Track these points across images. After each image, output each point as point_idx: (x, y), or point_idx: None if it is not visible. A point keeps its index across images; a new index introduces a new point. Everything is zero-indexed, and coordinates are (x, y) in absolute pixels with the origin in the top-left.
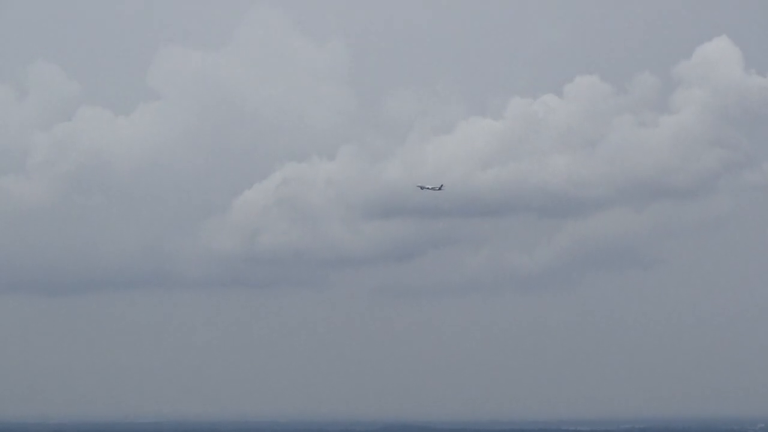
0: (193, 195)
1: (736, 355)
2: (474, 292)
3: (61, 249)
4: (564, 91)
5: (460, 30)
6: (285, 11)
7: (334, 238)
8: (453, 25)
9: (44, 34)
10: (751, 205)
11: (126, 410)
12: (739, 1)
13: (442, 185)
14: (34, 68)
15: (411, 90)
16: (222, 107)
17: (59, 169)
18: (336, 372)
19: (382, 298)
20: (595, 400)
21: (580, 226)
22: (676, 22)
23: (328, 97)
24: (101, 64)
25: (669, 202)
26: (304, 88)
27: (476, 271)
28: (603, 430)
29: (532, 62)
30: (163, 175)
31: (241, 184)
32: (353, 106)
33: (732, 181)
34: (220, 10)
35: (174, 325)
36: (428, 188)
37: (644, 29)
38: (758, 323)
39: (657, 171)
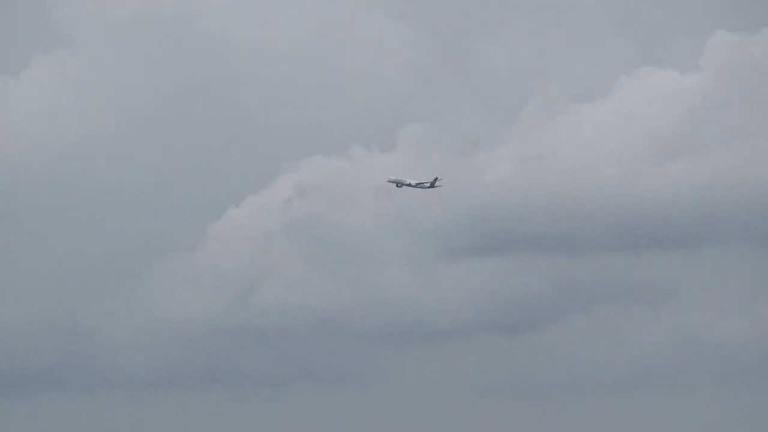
0: (134, 217)
1: None
2: (649, 387)
3: None
4: None
5: None
6: None
7: (390, 293)
8: None
9: None
10: None
11: None
12: None
13: (436, 179)
14: None
15: (527, 27)
16: (188, 59)
17: None
18: None
19: (481, 397)
20: None
21: None
22: None
23: (382, 39)
24: None
25: None
26: (339, 22)
27: (655, 350)
28: None
29: None
30: (80, 181)
31: (223, 196)
32: (427, 57)
33: None
34: None
35: None
36: (407, 184)
37: None
38: None
39: None
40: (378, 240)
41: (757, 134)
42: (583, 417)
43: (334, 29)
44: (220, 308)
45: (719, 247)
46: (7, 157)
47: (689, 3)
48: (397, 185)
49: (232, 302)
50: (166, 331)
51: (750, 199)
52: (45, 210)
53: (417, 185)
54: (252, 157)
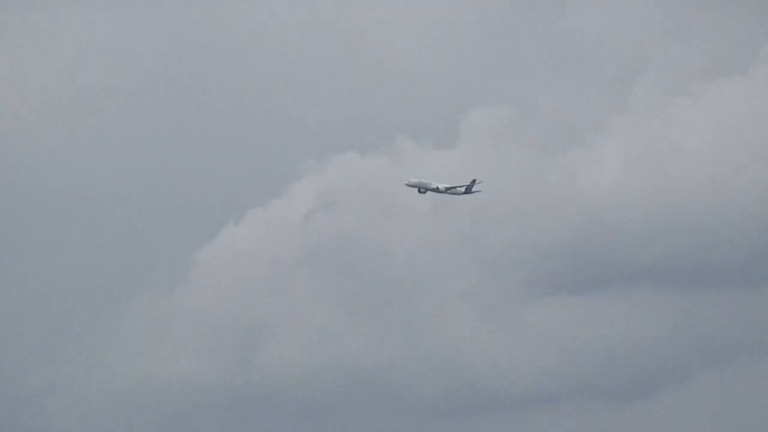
0: (93, 241)
1: None
2: None
3: None
4: None
5: None
6: None
7: (451, 346)
8: None
9: None
10: None
11: None
12: None
13: (474, 182)
14: None
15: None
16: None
17: None
18: None
19: None
20: None
21: None
22: None
23: (435, 6)
24: None
25: None
26: None
27: None
28: None
29: None
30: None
31: (217, 209)
32: (498, 25)
33: None
34: None
35: None
36: (433, 189)
37: None
38: None
39: None
40: (433, 271)
41: None
42: None
43: None
44: (211, 368)
45: None
46: None
47: None
48: (419, 191)
49: (228, 359)
50: (136, 399)
51: None
52: None
53: (448, 191)
54: (259, 155)
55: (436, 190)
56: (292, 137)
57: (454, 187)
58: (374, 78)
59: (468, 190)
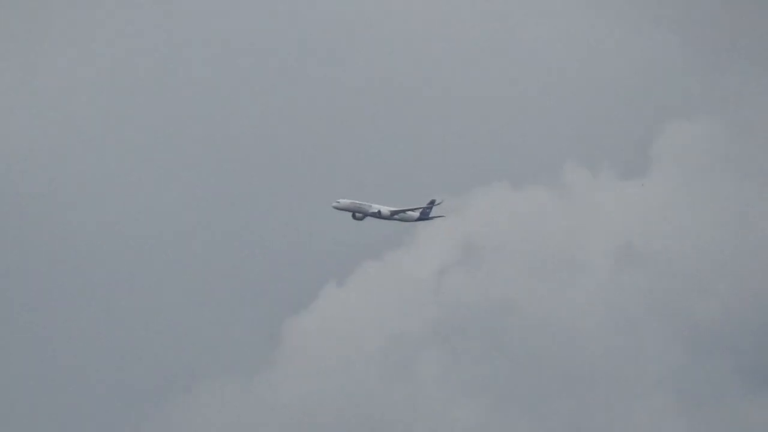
0: (138, 318)
1: None
2: None
3: None
4: None
5: None
6: None
7: None
8: None
9: None
10: None
11: None
12: None
13: (433, 203)
14: None
15: None
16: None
17: None
18: None
19: None
20: None
21: None
22: None
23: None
24: None
25: None
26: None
27: None
28: None
29: None
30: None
31: (313, 267)
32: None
33: None
34: None
35: None
36: (372, 214)
37: None
38: None
39: None
40: (616, 348)
41: None
42: None
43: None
44: None
45: None
46: None
47: None
48: (353, 216)
49: None
50: None
51: None
52: None
53: (395, 216)
54: (372, 187)
55: (377, 215)
56: (421, 165)
57: (403, 211)
58: (532, 92)
59: (425, 216)
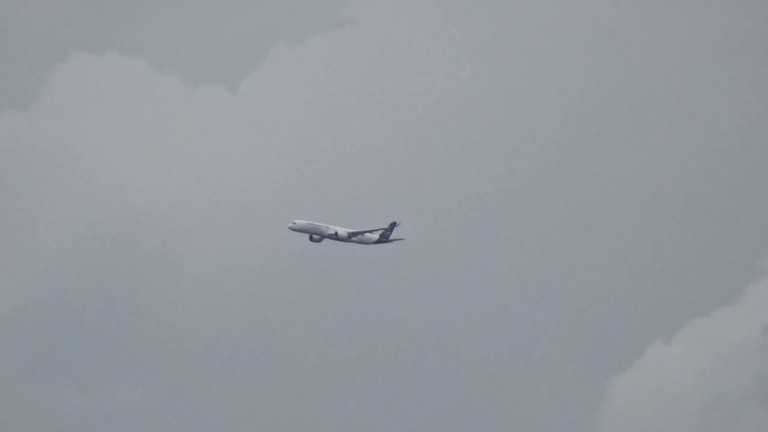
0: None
1: None
2: None
3: None
4: None
5: None
6: None
7: None
8: None
9: None
10: None
11: None
12: None
13: (393, 225)
14: None
15: None
16: None
17: None
18: None
19: None
20: None
21: None
22: None
23: None
24: None
25: None
26: None
27: None
28: None
29: None
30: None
31: (646, 320)
32: None
33: None
34: None
35: None
36: (329, 235)
37: None
38: None
39: None
40: None
41: None
42: None
43: None
44: None
45: None
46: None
47: None
48: (310, 238)
49: None
50: None
51: None
52: None
53: (352, 237)
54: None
55: (334, 236)
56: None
57: (362, 233)
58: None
59: (385, 238)
